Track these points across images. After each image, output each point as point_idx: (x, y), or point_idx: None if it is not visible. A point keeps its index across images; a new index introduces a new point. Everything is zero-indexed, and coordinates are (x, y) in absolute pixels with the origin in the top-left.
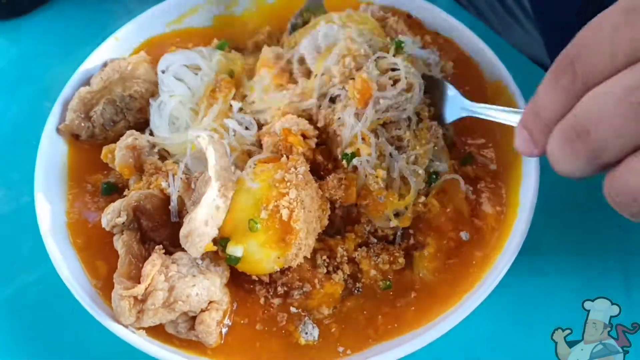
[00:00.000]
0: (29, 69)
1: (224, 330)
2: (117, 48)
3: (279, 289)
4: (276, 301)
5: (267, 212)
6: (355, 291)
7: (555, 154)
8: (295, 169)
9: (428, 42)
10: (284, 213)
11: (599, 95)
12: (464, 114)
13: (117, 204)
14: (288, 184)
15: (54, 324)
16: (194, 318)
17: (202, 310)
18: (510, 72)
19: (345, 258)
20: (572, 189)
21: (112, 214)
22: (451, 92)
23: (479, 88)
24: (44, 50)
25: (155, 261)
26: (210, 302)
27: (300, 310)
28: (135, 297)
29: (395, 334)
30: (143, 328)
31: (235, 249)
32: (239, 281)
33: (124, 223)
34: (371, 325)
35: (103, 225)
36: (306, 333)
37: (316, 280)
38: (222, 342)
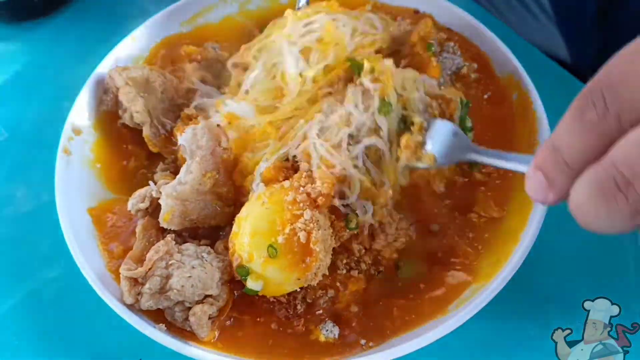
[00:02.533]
0: (47, 70)
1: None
2: (133, 48)
3: (299, 307)
4: (296, 321)
5: (284, 236)
6: (377, 274)
7: (584, 208)
8: (304, 187)
9: (444, 38)
10: (302, 235)
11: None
12: (463, 158)
13: (144, 190)
14: (301, 204)
15: (74, 320)
16: (190, 309)
17: (197, 303)
18: (525, 67)
19: (363, 250)
20: None
21: (137, 199)
22: (456, 133)
23: (490, 85)
24: (61, 52)
25: (160, 248)
26: (207, 296)
27: (327, 316)
28: (135, 279)
29: (411, 326)
30: (163, 322)
31: (255, 284)
32: (258, 302)
33: (147, 209)
34: (388, 318)
35: (128, 208)
36: (326, 330)
37: (337, 283)
38: (216, 337)
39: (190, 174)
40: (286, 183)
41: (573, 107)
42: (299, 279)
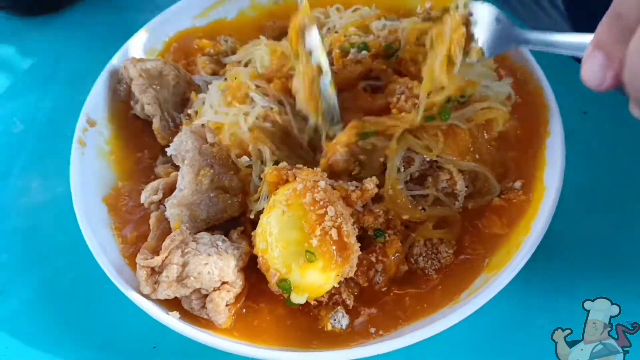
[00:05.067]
0: (62, 64)
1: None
2: (146, 41)
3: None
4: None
5: (317, 238)
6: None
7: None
8: (317, 184)
9: None
10: (333, 233)
11: None
12: (512, 46)
13: (156, 183)
14: (321, 202)
15: (89, 308)
16: (207, 296)
17: (214, 290)
18: (536, 59)
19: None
20: (584, 189)
21: (150, 192)
22: (499, 18)
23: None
24: (75, 45)
25: (176, 237)
26: (223, 282)
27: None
28: (152, 269)
29: (422, 315)
30: (178, 310)
31: (300, 298)
32: (271, 291)
33: (160, 201)
34: (400, 307)
35: (142, 201)
36: (334, 320)
37: (380, 256)
38: (232, 324)
39: (184, 178)
40: (298, 186)
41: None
42: (338, 275)
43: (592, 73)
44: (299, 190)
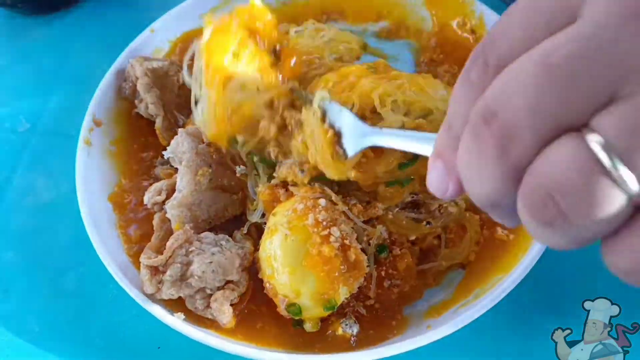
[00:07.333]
0: (68, 62)
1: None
2: (152, 40)
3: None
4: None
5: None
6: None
7: (462, 163)
8: (317, 203)
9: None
10: (339, 252)
11: (511, 67)
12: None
13: (159, 184)
14: (324, 223)
15: (94, 308)
16: (211, 296)
17: (219, 289)
18: None
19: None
20: None
21: (154, 193)
22: (348, 118)
23: None
24: (81, 44)
25: (180, 236)
26: (228, 281)
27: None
28: (156, 268)
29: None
30: (182, 311)
31: (312, 327)
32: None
33: (163, 201)
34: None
35: (145, 202)
36: (346, 325)
37: (390, 270)
38: (236, 326)
39: (182, 179)
40: (299, 206)
41: (460, 75)
42: (349, 292)
43: (436, 183)
44: (299, 211)
